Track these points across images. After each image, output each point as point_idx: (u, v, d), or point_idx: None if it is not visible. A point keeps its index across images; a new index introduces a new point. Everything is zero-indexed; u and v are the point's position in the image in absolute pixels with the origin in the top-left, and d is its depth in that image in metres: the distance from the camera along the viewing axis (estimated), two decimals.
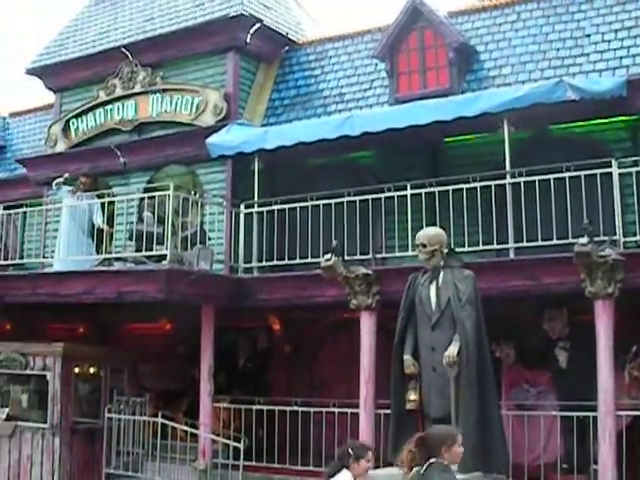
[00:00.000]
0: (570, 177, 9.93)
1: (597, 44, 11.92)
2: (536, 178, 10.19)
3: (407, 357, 8.54)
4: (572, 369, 10.47)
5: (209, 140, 13.11)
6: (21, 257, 15.82)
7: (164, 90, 14.54)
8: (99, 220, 13.16)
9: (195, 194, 12.52)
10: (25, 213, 15.17)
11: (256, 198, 12.42)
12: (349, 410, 10.98)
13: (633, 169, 10.06)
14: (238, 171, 13.41)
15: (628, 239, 9.95)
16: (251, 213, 12.38)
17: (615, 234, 9.75)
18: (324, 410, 11.35)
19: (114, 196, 13.61)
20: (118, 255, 12.67)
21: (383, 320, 10.62)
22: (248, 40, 14.06)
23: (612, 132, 11.51)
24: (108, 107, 15.27)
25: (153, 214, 12.06)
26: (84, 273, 12.17)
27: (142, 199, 12.74)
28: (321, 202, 11.59)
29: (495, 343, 10.30)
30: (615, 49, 11.72)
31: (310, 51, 14.79)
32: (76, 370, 12.82)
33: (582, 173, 9.92)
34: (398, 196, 11.08)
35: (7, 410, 12.86)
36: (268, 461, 11.50)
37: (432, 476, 5.45)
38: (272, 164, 13.11)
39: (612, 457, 9.15)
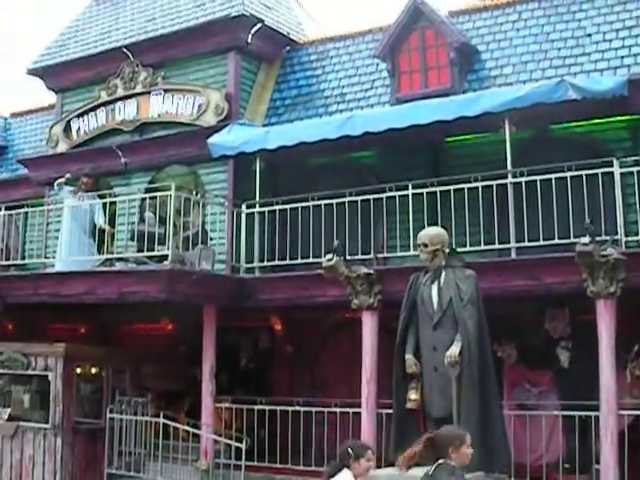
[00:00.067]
0: (571, 177, 9.92)
1: (598, 43, 11.92)
2: (537, 178, 10.18)
3: (409, 357, 8.54)
4: (574, 369, 10.46)
5: (210, 140, 13.11)
6: (23, 257, 15.84)
7: (165, 90, 14.56)
8: (100, 220, 13.15)
9: (197, 194, 12.51)
10: (27, 213, 15.21)
11: (257, 198, 12.41)
12: (351, 410, 10.97)
13: (634, 168, 10.04)
14: (239, 171, 13.41)
15: (630, 238, 9.95)
16: (252, 213, 12.37)
17: (617, 233, 9.75)
18: (326, 410, 11.35)
19: (115, 196, 13.62)
20: (120, 255, 12.67)
21: (385, 320, 10.62)
22: (249, 40, 14.07)
23: (613, 132, 11.51)
24: (109, 107, 15.29)
25: (155, 214, 12.08)
26: (86, 273, 12.18)
27: (143, 199, 12.74)
28: (322, 202, 11.59)
29: (497, 343, 10.29)
30: (616, 48, 11.71)
31: (311, 51, 14.80)
32: (78, 370, 12.81)
33: (583, 173, 9.91)
34: (399, 196, 11.07)
35: (9, 410, 12.87)
36: (270, 461, 11.49)
37: (440, 478, 5.45)
38: (273, 164, 13.12)
39: (614, 457, 9.14)
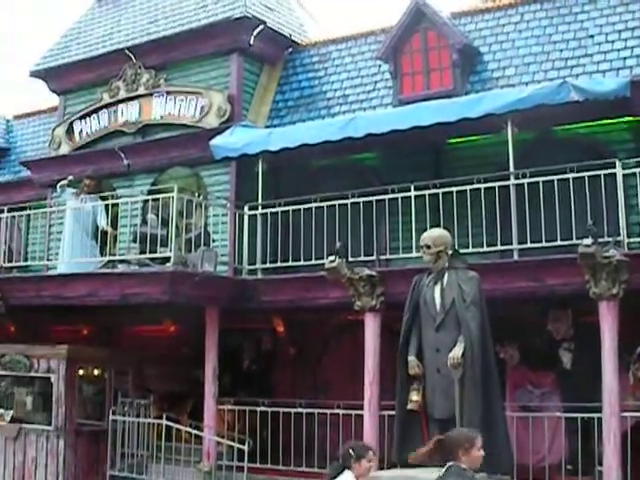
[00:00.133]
0: (574, 178, 9.92)
1: (600, 45, 11.91)
2: (540, 179, 10.19)
3: (411, 358, 8.55)
4: (576, 370, 10.44)
5: (213, 142, 13.11)
6: (25, 259, 15.80)
7: (168, 92, 14.57)
8: (103, 222, 13.16)
9: (199, 196, 12.50)
10: (29, 215, 15.18)
11: (260, 200, 12.41)
12: (353, 412, 10.95)
13: (637, 170, 10.03)
14: (242, 173, 13.42)
15: (632, 240, 9.96)
16: (255, 215, 12.37)
17: (619, 235, 9.75)
18: (328, 412, 11.34)
19: (118, 198, 13.62)
20: (122, 257, 12.70)
21: (387, 321, 10.63)
22: (251, 42, 14.08)
23: (616, 133, 11.50)
24: (112, 109, 15.30)
25: (157, 216, 12.08)
26: (88, 275, 12.19)
27: (146, 201, 12.77)
28: (325, 204, 11.59)
29: (499, 344, 10.27)
30: (618, 50, 11.71)
31: (313, 53, 14.80)
32: (80, 372, 12.83)
33: (586, 174, 9.90)
34: (402, 197, 11.07)
35: (12, 412, 12.88)
36: (272, 463, 11.49)
37: None
38: (276, 166, 13.12)
39: (617, 458, 9.13)
